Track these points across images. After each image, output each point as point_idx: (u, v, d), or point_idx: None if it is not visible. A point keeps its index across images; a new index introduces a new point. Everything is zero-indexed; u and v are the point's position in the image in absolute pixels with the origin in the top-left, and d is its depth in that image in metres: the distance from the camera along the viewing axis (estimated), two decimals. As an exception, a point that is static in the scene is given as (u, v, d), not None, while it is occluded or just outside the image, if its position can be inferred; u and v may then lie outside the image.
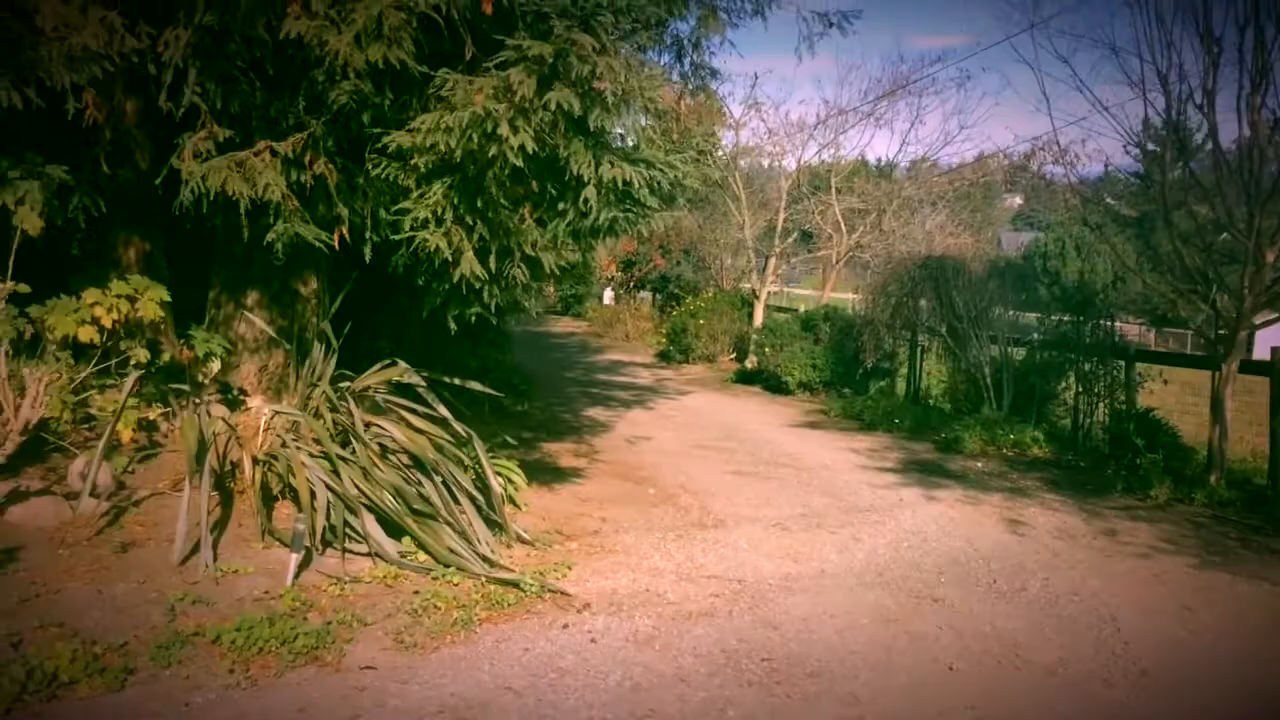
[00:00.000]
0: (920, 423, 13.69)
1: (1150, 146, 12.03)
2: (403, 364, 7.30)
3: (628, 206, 5.73)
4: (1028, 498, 9.67)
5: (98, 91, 6.08)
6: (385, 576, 5.94)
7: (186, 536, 5.73)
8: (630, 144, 5.89)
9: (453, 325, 6.36)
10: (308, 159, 5.90)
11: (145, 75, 6.00)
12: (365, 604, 5.53)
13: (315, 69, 5.65)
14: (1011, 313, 14.98)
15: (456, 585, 5.93)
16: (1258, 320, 10.12)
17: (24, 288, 6.38)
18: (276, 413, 6.92)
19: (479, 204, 5.57)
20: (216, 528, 6.28)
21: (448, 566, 6.15)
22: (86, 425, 6.77)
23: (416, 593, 5.73)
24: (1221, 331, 10.26)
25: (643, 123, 5.75)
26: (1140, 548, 7.92)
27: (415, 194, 5.60)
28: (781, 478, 10.08)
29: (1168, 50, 9.92)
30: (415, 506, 6.35)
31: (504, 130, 5.04)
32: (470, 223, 5.63)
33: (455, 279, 5.74)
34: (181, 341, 7.73)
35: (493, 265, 5.80)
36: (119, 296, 6.57)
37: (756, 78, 43.41)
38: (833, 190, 21.18)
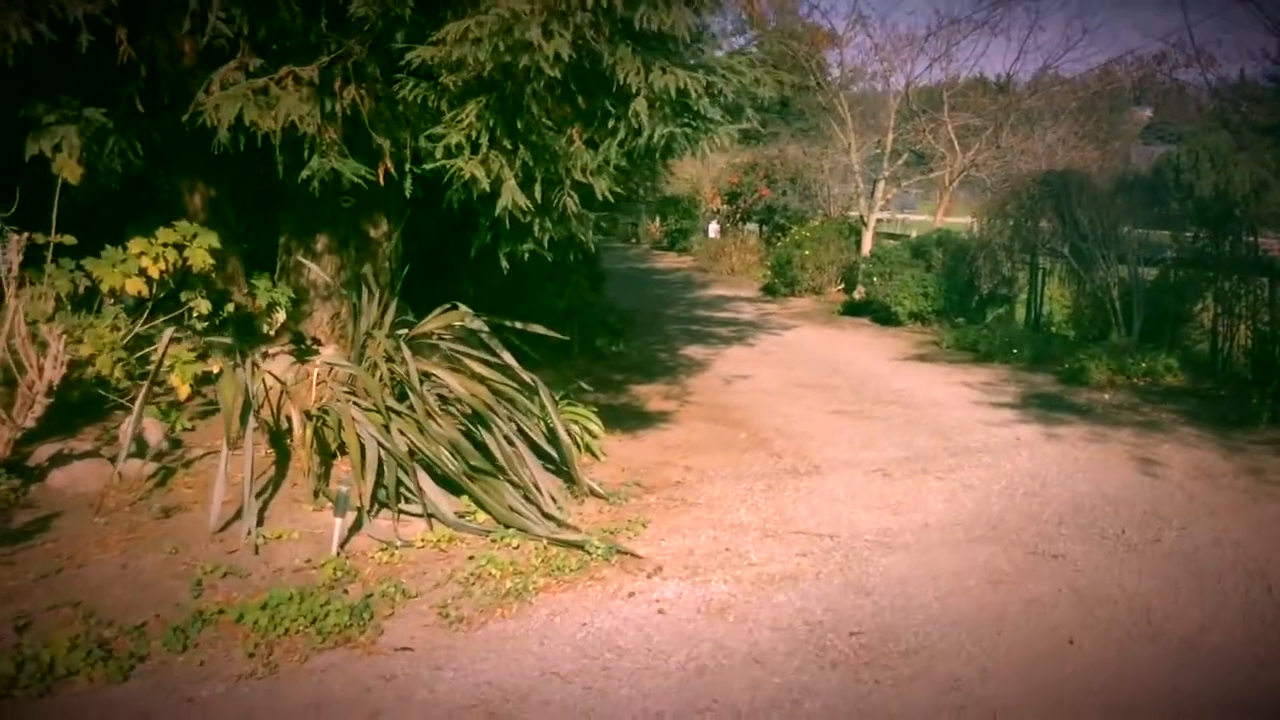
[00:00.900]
0: (1041, 352, 12.66)
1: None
2: (463, 308, 6.78)
3: (686, 120, 5.04)
4: (1161, 432, 8.72)
5: (126, 26, 5.68)
6: (440, 540, 5.47)
7: (231, 501, 5.35)
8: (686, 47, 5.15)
9: (505, 263, 5.77)
10: (337, 85, 5.36)
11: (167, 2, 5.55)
12: (413, 572, 5.08)
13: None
14: (1141, 231, 13.73)
15: (516, 549, 5.43)
16: None
17: (70, 239, 6.05)
18: (329, 364, 6.50)
19: (519, 126, 4.94)
20: (269, 488, 5.93)
21: (508, 528, 5.66)
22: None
23: (471, 558, 5.25)
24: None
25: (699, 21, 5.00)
26: (1293, 488, 6.99)
27: (447, 117, 5.00)
28: (886, 417, 9.32)
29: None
30: (473, 463, 5.86)
31: (535, 36, 4.39)
32: (510, 147, 5.01)
33: (497, 211, 5.14)
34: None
35: (538, 194, 5.18)
36: (165, 245, 6.21)
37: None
38: (945, 106, 19.83)
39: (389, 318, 6.83)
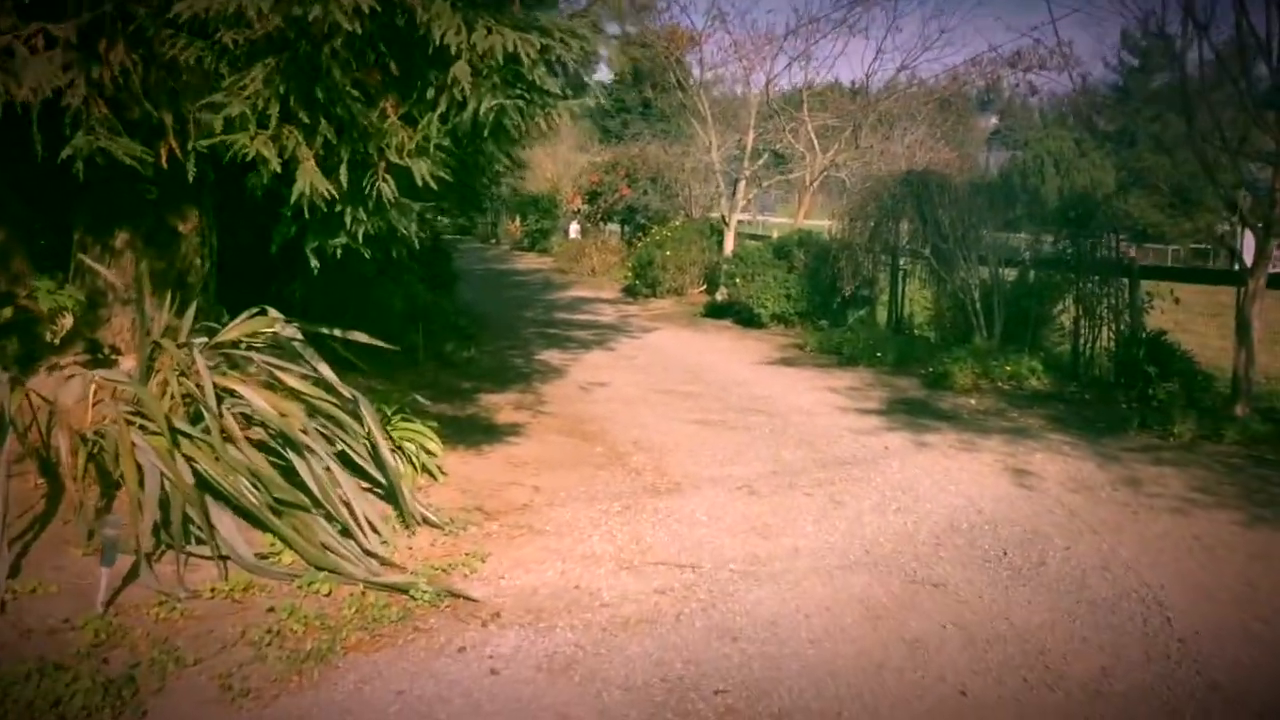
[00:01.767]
0: (904, 355, 12.40)
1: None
2: (273, 313, 5.92)
3: (520, 91, 4.32)
4: (1032, 440, 8.42)
5: None
6: (234, 589, 4.61)
7: (-33, 547, 4.38)
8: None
9: (314, 261, 4.91)
10: (102, 46, 4.44)
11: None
12: (196, 631, 4.21)
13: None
14: (1003, 234, 13.65)
15: (327, 596, 4.61)
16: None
17: None
18: (110, 380, 5.53)
19: (319, 95, 4.12)
20: (34, 528, 4.96)
21: (320, 570, 4.83)
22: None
23: (270, 610, 4.41)
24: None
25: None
26: (1172, 500, 6.70)
27: (227, 82, 4.14)
28: (751, 426, 8.78)
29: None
30: (278, 494, 5.01)
31: (326, -21, 3.61)
32: (308, 121, 4.19)
33: (294, 198, 4.32)
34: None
35: (344, 178, 4.37)
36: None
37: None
38: (804, 106, 19.59)
39: (187, 324, 5.92)
